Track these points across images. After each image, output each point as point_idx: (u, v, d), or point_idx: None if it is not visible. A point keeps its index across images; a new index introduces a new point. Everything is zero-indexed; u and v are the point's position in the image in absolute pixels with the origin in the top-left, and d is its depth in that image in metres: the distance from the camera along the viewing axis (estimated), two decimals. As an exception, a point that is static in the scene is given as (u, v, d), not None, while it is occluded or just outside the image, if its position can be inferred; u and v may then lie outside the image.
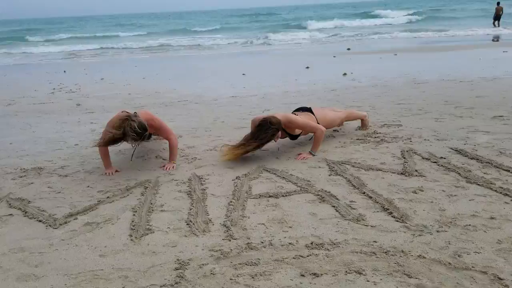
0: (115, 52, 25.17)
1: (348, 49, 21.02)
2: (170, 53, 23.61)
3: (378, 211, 3.41)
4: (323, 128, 5.01)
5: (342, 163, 4.66)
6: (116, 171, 4.81)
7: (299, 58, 17.45)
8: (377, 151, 5.04)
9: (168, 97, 9.88)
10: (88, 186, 4.38)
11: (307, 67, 14.38)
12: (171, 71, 15.25)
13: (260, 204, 3.68)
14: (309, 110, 5.41)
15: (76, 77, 14.29)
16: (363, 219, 3.27)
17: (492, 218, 3.18)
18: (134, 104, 9.25)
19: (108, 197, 4.04)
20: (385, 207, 3.46)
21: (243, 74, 13.55)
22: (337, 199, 3.70)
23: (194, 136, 6.26)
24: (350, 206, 3.52)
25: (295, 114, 5.29)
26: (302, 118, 5.06)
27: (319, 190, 3.91)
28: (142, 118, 4.64)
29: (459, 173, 4.13)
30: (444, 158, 4.59)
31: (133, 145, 5.00)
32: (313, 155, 4.97)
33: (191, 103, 9.09)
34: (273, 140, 4.91)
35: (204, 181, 4.35)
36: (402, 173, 4.24)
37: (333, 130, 6.04)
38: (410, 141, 5.34)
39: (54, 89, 11.87)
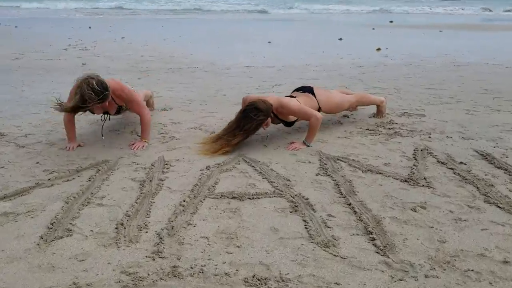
0: (146, 12, 24.55)
1: (391, 21, 19.61)
2: (201, 15, 22.78)
3: (358, 234, 2.65)
4: (319, 115, 4.22)
5: (337, 159, 3.88)
6: (79, 145, 4.22)
7: (335, 28, 16.32)
8: (386, 146, 4.21)
9: (179, 62, 9.20)
10: (38, 163, 3.80)
11: (340, 39, 13.32)
12: (196, 34, 14.53)
13: (217, 207, 2.99)
14: (311, 90, 4.62)
15: (98, 35, 13.81)
16: (334, 245, 2.52)
17: (505, 262, 2.37)
18: (141, 67, 8.64)
19: (49, 179, 3.44)
20: (369, 228, 2.69)
21: (269, 42, 12.68)
22: (313, 210, 2.95)
23: (186, 109, 5.57)
24: (325, 223, 2.77)
25: (292, 96, 4.51)
26: (296, 102, 4.27)
27: (296, 195, 3.17)
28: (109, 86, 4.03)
29: (477, 187, 3.28)
30: (465, 164, 3.73)
31: (102, 118, 4.41)
32: (307, 146, 4.21)
33: (201, 70, 8.38)
34: (262, 128, 4.17)
35: (168, 168, 3.69)
36: (406, 180, 3.42)
37: (343, 116, 5.21)
38: (429, 137, 4.47)
39: (69, 45, 11.42)
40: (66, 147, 4.15)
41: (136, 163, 3.80)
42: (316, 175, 3.55)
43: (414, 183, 3.37)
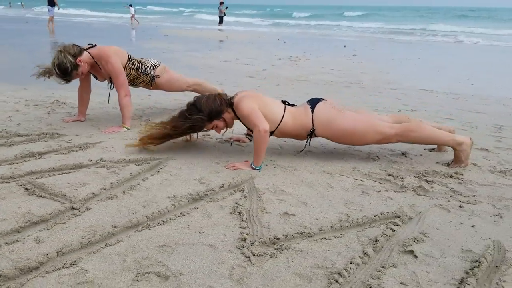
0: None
1: None
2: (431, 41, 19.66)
3: None
4: (265, 127, 2.95)
5: (240, 190, 2.62)
6: (79, 120, 4.22)
7: None
8: (358, 199, 2.62)
9: (355, 77, 8.14)
10: (19, 124, 3.96)
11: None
12: (427, 57, 12.70)
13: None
14: (315, 102, 3.31)
15: (332, 49, 13.74)
16: None
17: None
18: (311, 79, 8.06)
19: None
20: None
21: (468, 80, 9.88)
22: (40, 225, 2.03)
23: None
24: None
25: (286, 103, 3.35)
26: (251, 105, 3.06)
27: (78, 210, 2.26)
28: (97, 51, 3.86)
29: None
30: (415, 256, 1.90)
31: (108, 87, 4.25)
32: (254, 169, 2.99)
33: (357, 85, 7.20)
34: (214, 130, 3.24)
35: (70, 152, 3.25)
36: (243, 238, 1.99)
37: (401, 153, 3.52)
38: (461, 206, 2.51)
39: (290, 56, 11.59)
40: (64, 119, 4.20)
41: (68, 142, 3.52)
42: (173, 205, 2.46)
43: (253, 255, 1.90)
